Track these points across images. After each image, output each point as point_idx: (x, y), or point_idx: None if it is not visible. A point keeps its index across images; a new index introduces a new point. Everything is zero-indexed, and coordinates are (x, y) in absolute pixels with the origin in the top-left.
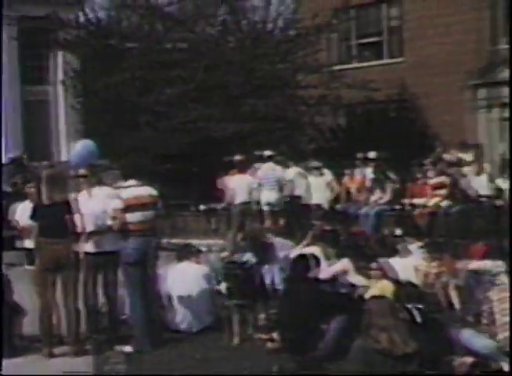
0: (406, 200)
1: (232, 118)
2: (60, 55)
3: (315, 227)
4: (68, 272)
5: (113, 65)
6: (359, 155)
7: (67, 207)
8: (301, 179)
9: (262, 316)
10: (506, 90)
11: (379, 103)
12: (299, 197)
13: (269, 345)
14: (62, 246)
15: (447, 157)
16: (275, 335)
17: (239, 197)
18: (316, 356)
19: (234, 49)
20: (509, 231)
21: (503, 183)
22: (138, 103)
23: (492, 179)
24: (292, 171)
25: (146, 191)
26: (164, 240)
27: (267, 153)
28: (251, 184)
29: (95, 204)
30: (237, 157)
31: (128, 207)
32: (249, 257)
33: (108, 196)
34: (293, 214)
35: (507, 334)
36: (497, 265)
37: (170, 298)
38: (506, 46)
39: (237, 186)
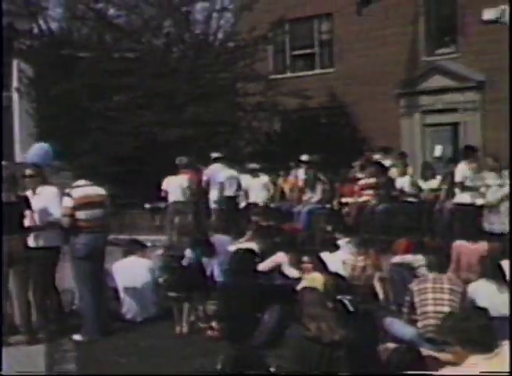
0: (336, 200)
1: (176, 124)
2: (15, 63)
3: (253, 224)
4: (20, 266)
5: (65, 73)
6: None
7: (20, 205)
8: (233, 181)
9: (201, 307)
10: (426, 99)
11: (311, 110)
12: (234, 197)
13: (209, 333)
14: (15, 241)
15: (374, 159)
16: (214, 324)
17: (172, 197)
18: (253, 343)
19: (178, 59)
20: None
21: (424, 184)
22: (90, 109)
23: (414, 181)
24: (224, 174)
25: (95, 191)
26: (112, 236)
27: (214, 155)
28: (183, 184)
29: (38, 202)
30: (179, 160)
31: (78, 206)
32: (189, 252)
33: (52, 194)
34: (229, 212)
35: (426, 322)
36: (418, 259)
37: (117, 289)
38: (427, 58)
39: (171, 186)
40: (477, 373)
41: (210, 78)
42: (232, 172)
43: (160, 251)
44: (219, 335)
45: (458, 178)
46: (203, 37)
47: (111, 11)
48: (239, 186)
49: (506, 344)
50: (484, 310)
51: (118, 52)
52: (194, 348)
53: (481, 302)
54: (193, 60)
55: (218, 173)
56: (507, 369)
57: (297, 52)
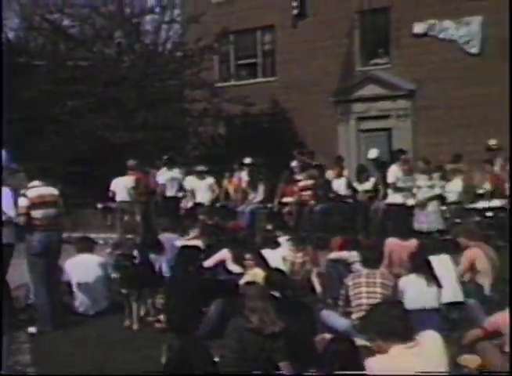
0: (277, 200)
1: (126, 128)
2: None
3: (199, 222)
4: None
5: (22, 81)
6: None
7: None
8: (175, 182)
9: (150, 301)
10: (360, 106)
11: (254, 116)
12: (174, 197)
13: (157, 325)
14: None
15: (313, 162)
16: (161, 317)
17: (119, 197)
18: (198, 334)
19: (128, 68)
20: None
21: (359, 186)
22: (46, 114)
23: (349, 182)
24: (165, 176)
25: (48, 191)
26: (66, 234)
27: (172, 157)
28: (128, 185)
29: None
30: (129, 162)
31: (33, 205)
32: (139, 249)
33: (6, 195)
34: (170, 212)
35: (360, 314)
36: (352, 256)
37: (70, 284)
38: (362, 68)
39: (118, 187)
40: (401, 360)
41: (159, 86)
42: (173, 174)
43: (108, 249)
44: (166, 327)
45: (390, 179)
46: (152, 47)
47: (65, 22)
48: (180, 187)
49: (426, 333)
50: (400, 303)
51: (72, 61)
52: (142, 340)
53: (411, 295)
54: (143, 69)
55: (161, 175)
56: (428, 356)
57: (240, 62)
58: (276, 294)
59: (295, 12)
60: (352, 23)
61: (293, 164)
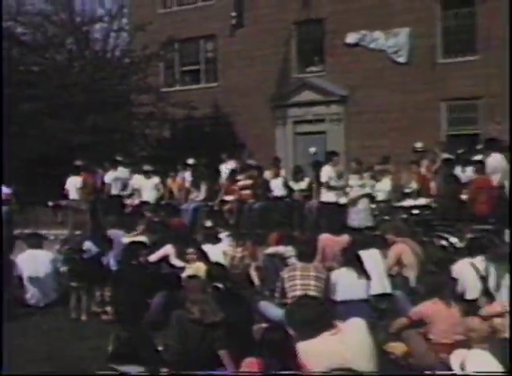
0: (218, 198)
1: (77, 131)
2: None
3: (145, 219)
4: None
5: None
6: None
7: None
8: (119, 181)
9: (98, 293)
10: (297, 110)
11: (197, 119)
12: (119, 196)
13: (104, 317)
14: None
15: (252, 163)
16: (108, 309)
17: (70, 195)
18: (143, 325)
19: (78, 73)
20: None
21: (295, 185)
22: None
23: (286, 182)
24: (111, 175)
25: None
26: (18, 231)
27: (118, 158)
28: (76, 185)
29: None
30: (78, 163)
31: None
32: (88, 245)
33: None
34: (115, 209)
35: (297, 305)
36: (288, 250)
37: (21, 278)
38: (298, 75)
39: (70, 186)
40: (325, 346)
41: (108, 90)
42: (119, 174)
43: (58, 245)
44: (113, 319)
45: (323, 179)
46: (101, 53)
47: (19, 29)
48: (125, 186)
49: (351, 321)
50: (316, 298)
51: (24, 66)
52: (90, 331)
53: (343, 287)
54: (92, 74)
55: (108, 175)
56: (350, 342)
57: (185, 68)
58: (219, 285)
59: (233, 22)
60: (289, 32)
61: (226, 165)
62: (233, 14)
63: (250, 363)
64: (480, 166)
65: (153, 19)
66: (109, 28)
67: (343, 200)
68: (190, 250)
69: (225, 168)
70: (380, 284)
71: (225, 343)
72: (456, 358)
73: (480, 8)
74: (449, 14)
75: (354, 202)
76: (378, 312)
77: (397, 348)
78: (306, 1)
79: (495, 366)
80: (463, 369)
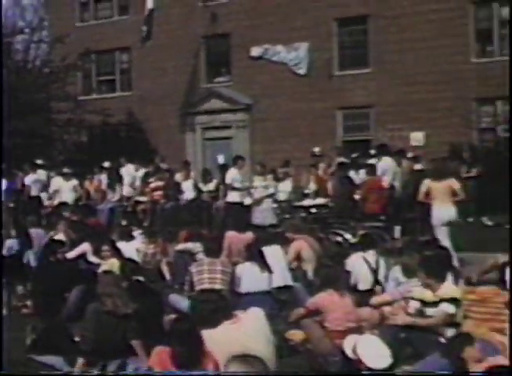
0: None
1: None
2: None
3: (64, 219)
4: None
5: None
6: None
7: None
8: (37, 183)
9: (20, 287)
10: (205, 118)
11: (113, 126)
12: (37, 197)
13: (24, 310)
14: None
15: (163, 166)
16: (28, 303)
17: None
18: (61, 317)
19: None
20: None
21: (204, 187)
22: None
23: (195, 184)
24: (29, 178)
25: None
26: None
27: (38, 161)
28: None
29: None
30: None
31: None
32: (10, 243)
33: None
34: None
35: (203, 297)
36: (196, 247)
37: None
38: (207, 85)
39: None
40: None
41: (29, 98)
42: (38, 176)
43: None
44: (33, 312)
45: (227, 180)
46: (22, 63)
47: None
48: (43, 188)
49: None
50: (221, 290)
51: None
52: (11, 324)
53: (247, 281)
54: (14, 83)
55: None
56: (248, 330)
57: (101, 78)
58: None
59: (143, 35)
60: (198, 46)
61: (127, 169)
62: (144, 28)
63: (160, 352)
64: (370, 169)
65: (71, 32)
66: (29, 40)
67: (248, 201)
68: (105, 247)
69: (126, 171)
70: (281, 277)
71: (138, 333)
72: (348, 343)
73: (372, 25)
74: (345, 31)
75: (258, 202)
76: (279, 303)
77: (296, 335)
78: (214, 17)
79: (383, 349)
80: (354, 352)
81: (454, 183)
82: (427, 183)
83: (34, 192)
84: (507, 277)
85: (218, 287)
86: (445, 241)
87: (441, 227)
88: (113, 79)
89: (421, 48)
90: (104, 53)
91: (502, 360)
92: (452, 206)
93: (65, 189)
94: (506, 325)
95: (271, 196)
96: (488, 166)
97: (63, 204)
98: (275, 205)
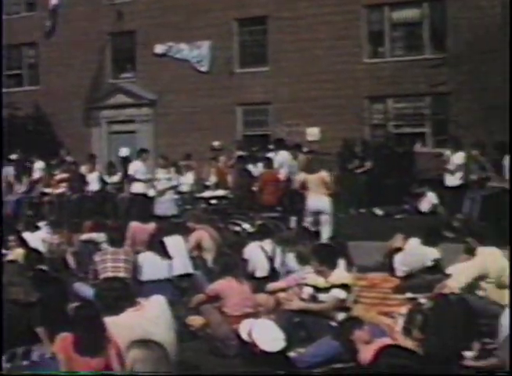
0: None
1: None
2: None
3: None
4: None
5: None
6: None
7: None
8: None
9: None
10: (111, 112)
11: (20, 119)
12: None
13: None
14: None
15: (68, 159)
16: None
17: None
18: None
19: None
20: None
21: (108, 179)
22: None
23: (100, 176)
24: None
25: None
26: None
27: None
28: None
29: None
30: None
31: None
32: None
33: None
34: None
35: (106, 285)
36: (101, 236)
37: None
38: (112, 81)
39: None
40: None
41: None
42: None
43: None
44: None
45: (130, 172)
46: None
47: None
48: None
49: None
50: (124, 278)
51: None
52: None
53: (148, 269)
54: None
55: None
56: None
57: (9, 72)
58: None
59: (47, 29)
60: (104, 42)
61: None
62: (48, 23)
63: (63, 338)
64: (268, 162)
65: None
66: None
67: (151, 192)
68: (11, 237)
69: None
70: (182, 265)
71: (42, 321)
72: (244, 327)
73: (272, 26)
74: (245, 31)
75: (161, 193)
76: (180, 290)
77: (196, 320)
78: (119, 15)
79: (277, 333)
80: (250, 336)
81: (325, 176)
82: (302, 175)
83: None
84: (396, 265)
85: (121, 275)
86: (321, 228)
87: (314, 215)
88: (21, 73)
89: (317, 48)
90: (12, 48)
91: (389, 341)
92: (325, 196)
93: None
94: (393, 309)
95: (173, 188)
96: (378, 160)
97: None
98: (177, 197)
